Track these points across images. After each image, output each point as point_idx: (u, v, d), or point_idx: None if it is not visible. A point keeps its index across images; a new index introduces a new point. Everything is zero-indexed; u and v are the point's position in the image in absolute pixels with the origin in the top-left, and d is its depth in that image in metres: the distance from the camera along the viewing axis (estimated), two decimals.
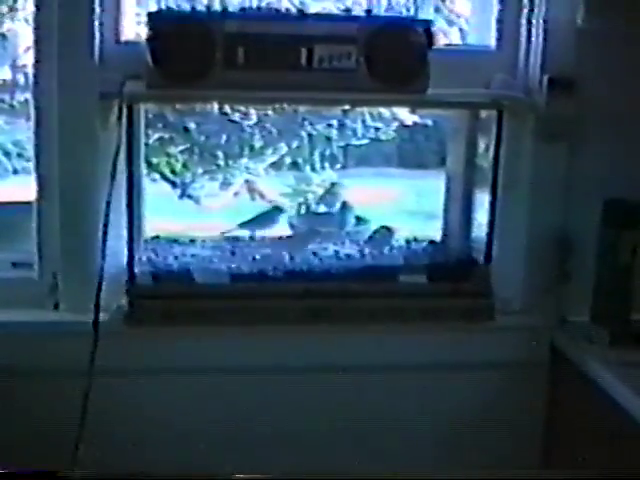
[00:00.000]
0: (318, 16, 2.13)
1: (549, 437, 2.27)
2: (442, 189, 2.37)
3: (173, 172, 2.58)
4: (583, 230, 2.18)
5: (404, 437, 2.27)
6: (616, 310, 2.15)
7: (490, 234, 2.19)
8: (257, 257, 2.23)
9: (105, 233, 2.01)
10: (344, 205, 2.41)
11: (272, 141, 2.55)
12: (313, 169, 2.59)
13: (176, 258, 2.21)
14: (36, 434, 2.07)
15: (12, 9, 2.29)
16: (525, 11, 2.16)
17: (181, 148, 2.56)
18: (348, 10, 2.16)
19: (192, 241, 2.31)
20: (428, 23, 2.05)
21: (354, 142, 2.58)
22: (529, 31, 2.16)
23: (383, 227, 2.38)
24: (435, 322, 2.20)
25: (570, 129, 2.15)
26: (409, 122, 2.55)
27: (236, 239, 2.33)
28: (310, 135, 2.55)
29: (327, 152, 2.58)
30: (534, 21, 2.14)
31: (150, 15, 1.99)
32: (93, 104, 2.03)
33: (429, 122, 2.57)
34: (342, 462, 2.23)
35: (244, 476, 1.89)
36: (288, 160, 2.59)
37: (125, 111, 2.00)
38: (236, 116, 2.48)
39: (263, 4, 2.12)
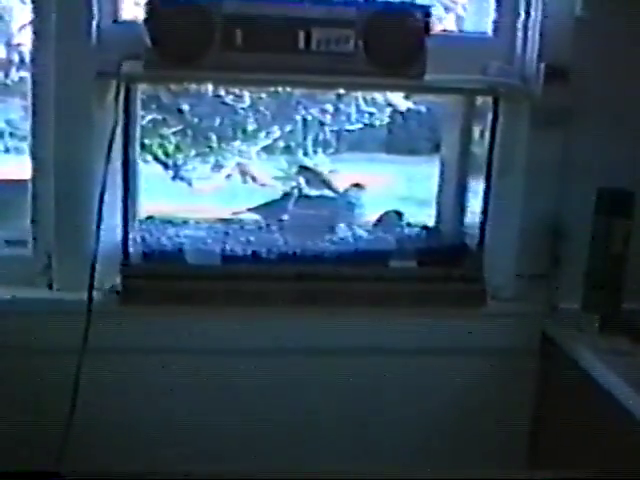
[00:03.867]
0: None
1: (538, 423, 2.29)
2: (434, 175, 2.37)
3: (166, 154, 2.57)
4: (576, 218, 2.19)
5: (391, 420, 2.28)
6: (607, 298, 2.15)
7: (483, 220, 2.20)
8: (250, 239, 2.23)
9: (100, 212, 2.01)
10: (357, 185, 2.41)
11: (265, 124, 2.54)
12: (305, 154, 2.58)
13: (169, 239, 2.22)
14: (28, 411, 2.08)
15: None
16: None
17: (174, 130, 2.55)
18: None
19: (185, 222, 2.31)
20: (426, 9, 2.05)
21: (347, 127, 2.57)
22: (526, 19, 2.17)
23: (392, 211, 2.39)
24: (426, 307, 2.20)
25: (565, 117, 2.16)
26: (403, 108, 2.55)
27: (230, 221, 2.34)
28: (304, 119, 2.55)
29: (320, 137, 2.57)
30: (532, 9, 2.15)
31: None
32: (90, 84, 2.03)
33: (422, 108, 2.56)
34: (329, 443, 2.26)
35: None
36: (281, 144, 2.59)
37: (122, 91, 2.00)
38: (229, 99, 2.47)
39: None
